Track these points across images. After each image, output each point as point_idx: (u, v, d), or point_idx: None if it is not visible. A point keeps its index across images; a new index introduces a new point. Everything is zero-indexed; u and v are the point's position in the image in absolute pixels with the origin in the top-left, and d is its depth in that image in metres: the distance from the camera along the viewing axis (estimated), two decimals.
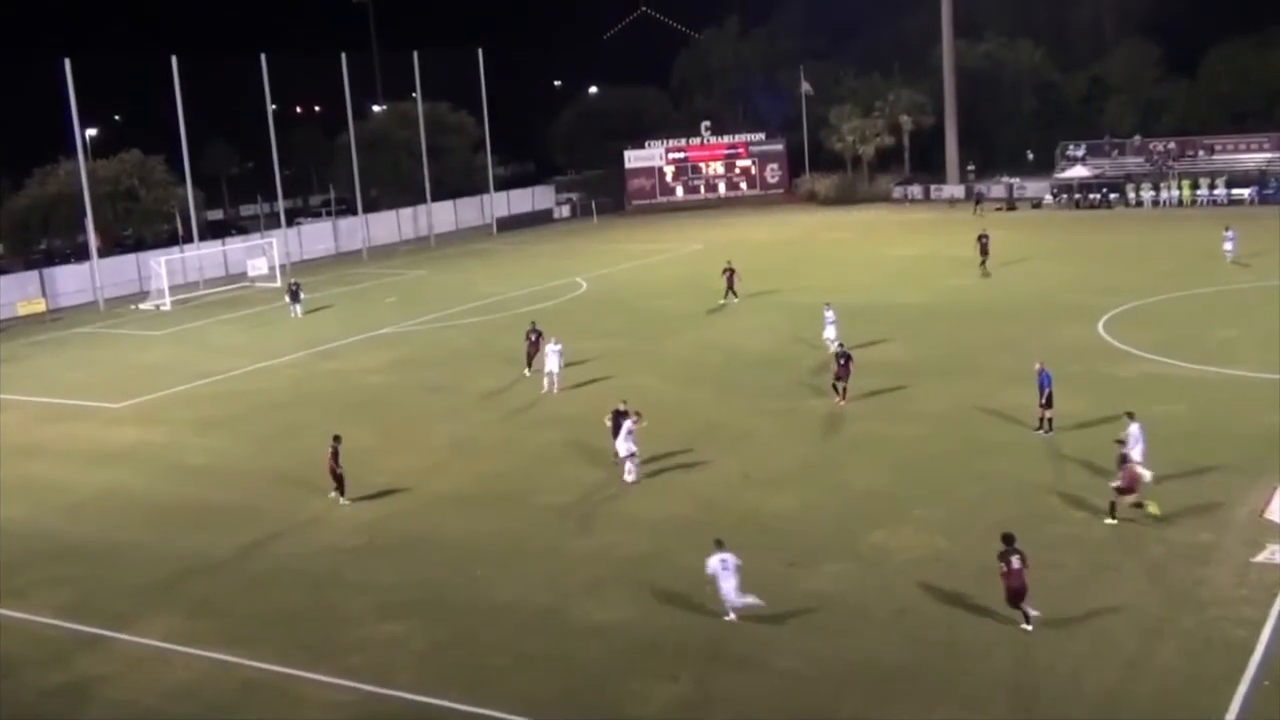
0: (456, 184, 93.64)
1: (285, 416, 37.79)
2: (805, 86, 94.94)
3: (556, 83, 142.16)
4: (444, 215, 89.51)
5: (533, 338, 39.96)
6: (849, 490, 27.32)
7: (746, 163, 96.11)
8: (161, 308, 62.48)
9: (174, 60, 68.64)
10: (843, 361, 34.28)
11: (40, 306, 63.46)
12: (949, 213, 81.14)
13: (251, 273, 68.92)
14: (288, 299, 58.31)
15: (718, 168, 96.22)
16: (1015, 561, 20.15)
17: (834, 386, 34.37)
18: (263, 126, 75.23)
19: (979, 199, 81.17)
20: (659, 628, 21.29)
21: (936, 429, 31.29)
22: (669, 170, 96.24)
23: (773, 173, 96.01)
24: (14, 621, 23.45)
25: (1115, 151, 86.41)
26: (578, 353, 41.19)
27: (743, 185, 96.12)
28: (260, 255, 70.32)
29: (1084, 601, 20.98)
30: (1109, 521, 24.05)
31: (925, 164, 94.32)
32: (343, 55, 78.04)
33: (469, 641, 21.34)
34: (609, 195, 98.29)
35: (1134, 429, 25.74)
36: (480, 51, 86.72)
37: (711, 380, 38.37)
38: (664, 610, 21.92)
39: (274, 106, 75.69)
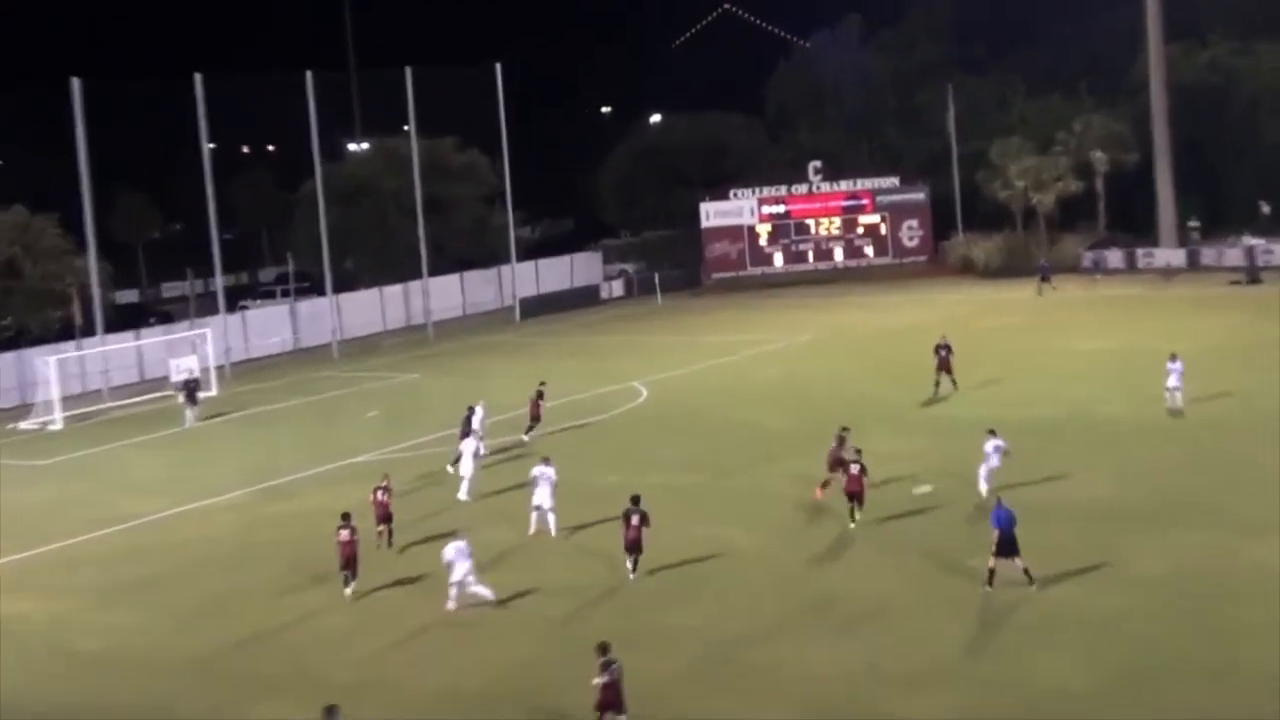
0: (465, 251, 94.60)
1: (220, 580, 37.72)
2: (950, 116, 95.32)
3: (605, 109, 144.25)
4: (447, 295, 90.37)
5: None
6: (1027, 690, 26.77)
7: (873, 219, 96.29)
8: (51, 426, 63.18)
9: (75, 84, 70.07)
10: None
11: None
12: (1164, 288, 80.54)
13: (176, 376, 69.57)
14: (181, 399, 60.90)
15: (833, 226, 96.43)
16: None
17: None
18: (196, 174, 76.46)
19: (1044, 275, 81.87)
20: None
21: (1153, 602, 30.67)
22: (763, 230, 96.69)
23: (911, 233, 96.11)
24: None
25: None
26: (634, 489, 40.83)
27: (868, 250, 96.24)
28: (189, 352, 70.96)
29: None
30: None
31: (1128, 219, 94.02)
32: (308, 75, 79.38)
33: None
34: (679, 265, 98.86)
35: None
36: (498, 68, 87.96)
37: (826, 531, 37.88)
38: None
39: (212, 146, 77.01)
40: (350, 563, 34.95)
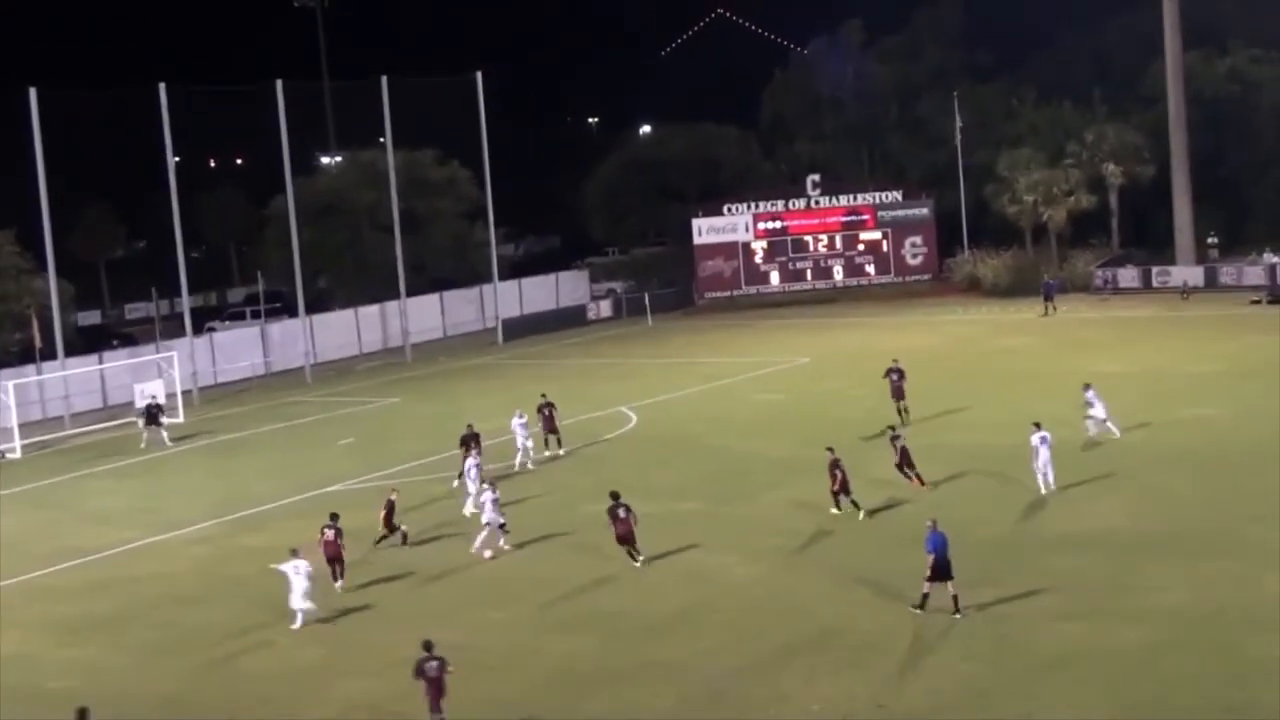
0: (445, 269, 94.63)
1: (188, 616, 37.81)
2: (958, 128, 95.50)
3: (591, 120, 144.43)
4: (426, 315, 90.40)
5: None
6: None
7: (875, 235, 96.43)
8: (9, 455, 63.23)
9: (32, 93, 70.07)
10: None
11: None
12: (1181, 308, 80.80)
13: (141, 402, 69.61)
14: (141, 423, 62.03)
15: (832, 242, 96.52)
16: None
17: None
18: (161, 189, 76.43)
19: (1048, 294, 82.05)
20: None
21: (1172, 636, 30.82)
22: (759, 247, 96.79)
23: (914, 249, 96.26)
24: None
25: None
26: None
27: (870, 268, 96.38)
28: (155, 377, 70.95)
29: None
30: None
31: (1143, 236, 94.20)
32: (278, 84, 79.45)
33: None
34: (670, 284, 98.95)
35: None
36: (479, 77, 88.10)
37: (827, 561, 38.05)
38: None
39: (177, 159, 76.98)
40: (335, 561, 37.90)
